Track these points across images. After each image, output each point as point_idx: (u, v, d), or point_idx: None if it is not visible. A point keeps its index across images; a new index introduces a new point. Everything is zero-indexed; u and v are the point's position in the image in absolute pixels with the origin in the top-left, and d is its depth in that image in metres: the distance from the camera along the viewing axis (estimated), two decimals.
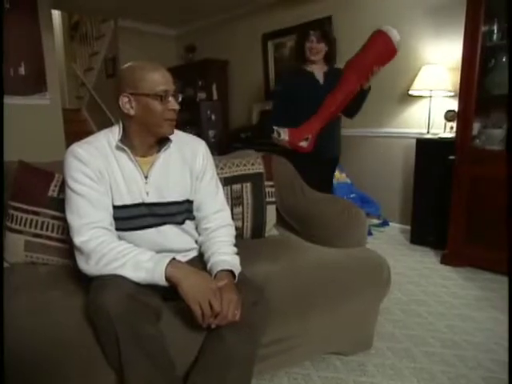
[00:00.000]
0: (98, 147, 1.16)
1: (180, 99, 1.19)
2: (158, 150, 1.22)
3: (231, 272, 1.15)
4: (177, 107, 1.16)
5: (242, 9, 4.55)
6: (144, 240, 1.19)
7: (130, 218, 1.18)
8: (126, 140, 1.18)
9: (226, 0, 4.32)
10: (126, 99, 1.14)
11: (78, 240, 1.08)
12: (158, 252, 1.13)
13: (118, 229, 1.16)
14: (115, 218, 1.16)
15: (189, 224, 1.29)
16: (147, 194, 1.19)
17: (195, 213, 1.31)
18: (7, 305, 1.06)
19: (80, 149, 1.14)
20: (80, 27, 6.22)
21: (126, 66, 1.18)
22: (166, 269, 1.02)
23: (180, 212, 1.25)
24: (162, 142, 1.22)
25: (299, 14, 4.00)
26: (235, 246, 1.27)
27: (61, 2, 4.28)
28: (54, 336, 0.99)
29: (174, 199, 1.23)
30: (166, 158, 1.23)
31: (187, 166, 1.26)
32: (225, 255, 1.19)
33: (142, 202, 1.18)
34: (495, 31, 2.38)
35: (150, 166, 1.20)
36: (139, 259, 1.04)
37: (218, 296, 1.02)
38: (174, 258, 1.05)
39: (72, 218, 1.11)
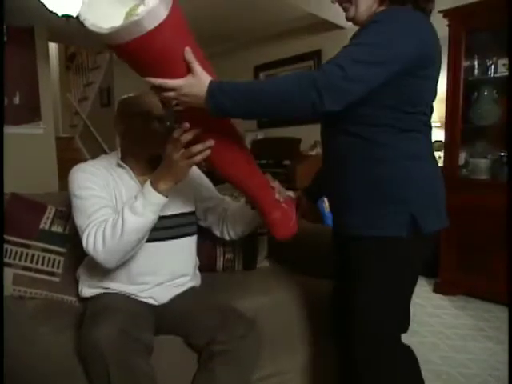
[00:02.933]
0: (102, 165, 1.24)
1: (168, 124, 1.25)
2: (155, 168, 1.27)
3: None
4: (163, 130, 1.23)
5: (235, 42, 4.72)
6: (143, 255, 1.20)
7: None
8: (124, 160, 1.26)
9: (218, 33, 4.48)
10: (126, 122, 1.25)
11: (85, 235, 1.08)
12: (156, 273, 1.20)
13: None
14: None
15: (190, 240, 1.31)
16: None
17: (206, 204, 1.39)
18: None
19: (86, 165, 1.22)
20: (76, 58, 6.37)
21: None
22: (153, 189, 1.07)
23: (182, 224, 1.28)
24: (159, 161, 1.27)
25: (290, 47, 4.16)
26: None
27: (57, 34, 4.39)
28: (42, 373, 0.97)
29: (177, 211, 1.27)
30: None
31: (185, 180, 1.29)
32: None
33: None
34: (476, 66, 2.50)
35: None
36: (131, 206, 1.07)
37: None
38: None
39: (81, 220, 1.11)
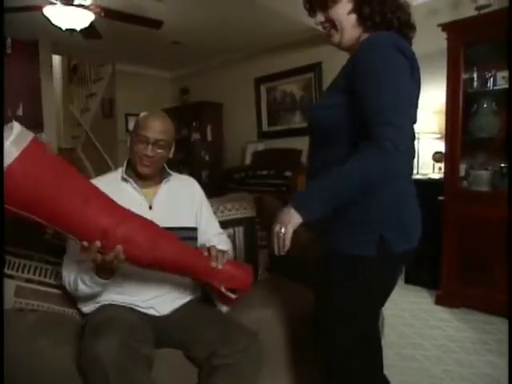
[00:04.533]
0: (106, 180, 1.32)
1: (160, 150, 1.29)
2: (160, 182, 1.35)
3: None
4: (148, 153, 1.26)
5: (235, 54, 4.78)
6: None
7: None
8: (129, 172, 1.33)
9: (219, 46, 4.55)
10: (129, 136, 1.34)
11: (63, 273, 1.20)
12: (157, 284, 1.22)
13: None
14: None
15: None
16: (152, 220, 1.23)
17: (200, 235, 1.38)
18: None
19: (92, 181, 1.25)
20: (79, 70, 6.44)
21: None
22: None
23: (184, 237, 1.28)
24: (163, 175, 1.37)
25: (291, 59, 4.21)
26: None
27: (61, 47, 4.46)
28: None
29: (178, 225, 1.29)
30: (168, 188, 1.37)
31: (188, 196, 1.40)
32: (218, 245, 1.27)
33: None
34: (475, 79, 2.53)
35: (153, 195, 1.33)
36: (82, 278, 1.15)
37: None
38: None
39: (66, 255, 1.19)
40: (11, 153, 0.85)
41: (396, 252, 0.96)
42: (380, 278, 1.01)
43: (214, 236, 1.40)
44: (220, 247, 1.24)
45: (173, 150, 1.38)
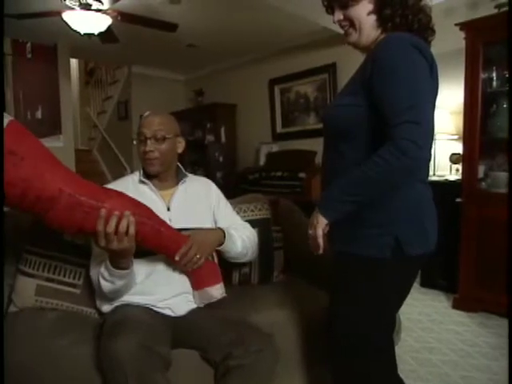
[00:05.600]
0: (124, 182, 1.35)
1: (161, 145, 1.30)
2: (176, 183, 1.38)
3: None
4: (147, 149, 1.29)
5: (249, 56, 4.80)
6: (160, 267, 1.26)
7: None
8: (146, 176, 1.36)
9: (233, 48, 4.57)
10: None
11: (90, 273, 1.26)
12: (172, 283, 1.25)
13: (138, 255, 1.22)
14: None
15: None
16: (170, 220, 1.27)
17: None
18: (13, 354, 1.06)
19: (109, 185, 1.30)
20: (95, 73, 6.56)
21: None
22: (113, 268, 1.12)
23: None
24: (180, 176, 1.40)
25: (305, 60, 4.20)
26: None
27: (78, 51, 4.55)
28: None
29: (196, 225, 1.30)
30: (185, 189, 1.39)
31: (204, 197, 1.42)
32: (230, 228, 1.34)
33: None
34: (494, 78, 2.48)
35: (170, 196, 1.35)
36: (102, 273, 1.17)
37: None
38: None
39: (92, 254, 1.23)
40: None
41: (412, 255, 0.95)
42: (395, 281, 1.00)
43: (236, 227, 1.41)
44: (233, 232, 1.33)
45: (182, 146, 1.39)
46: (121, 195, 1.11)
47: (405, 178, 0.90)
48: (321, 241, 0.98)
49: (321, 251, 1.00)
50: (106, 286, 1.17)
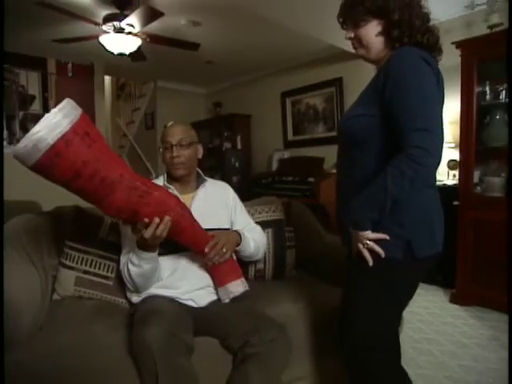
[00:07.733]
0: None
1: (185, 150, 1.33)
2: (197, 187, 1.39)
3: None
4: (174, 155, 1.31)
5: (263, 71, 4.81)
6: (183, 264, 1.27)
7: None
8: (169, 180, 1.39)
9: (248, 64, 4.59)
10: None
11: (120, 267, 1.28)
12: (195, 278, 1.26)
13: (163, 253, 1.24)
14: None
15: None
16: None
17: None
18: (55, 336, 1.09)
19: None
20: (126, 88, 6.66)
21: None
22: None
23: None
24: (199, 180, 1.42)
25: (314, 75, 4.20)
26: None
27: (112, 68, 4.64)
28: (97, 366, 1.01)
29: (215, 226, 1.32)
30: (204, 193, 1.40)
31: (222, 200, 1.43)
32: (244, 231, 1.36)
33: None
34: (488, 92, 2.44)
35: (191, 199, 1.36)
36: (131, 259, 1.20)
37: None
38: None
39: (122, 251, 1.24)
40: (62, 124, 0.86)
41: (421, 256, 0.93)
42: (406, 281, 0.98)
43: (249, 229, 1.42)
44: (247, 234, 1.35)
45: (201, 151, 1.41)
46: (165, 188, 1.15)
47: (418, 184, 0.87)
48: (377, 247, 0.92)
49: (382, 255, 0.92)
50: (133, 270, 1.18)
